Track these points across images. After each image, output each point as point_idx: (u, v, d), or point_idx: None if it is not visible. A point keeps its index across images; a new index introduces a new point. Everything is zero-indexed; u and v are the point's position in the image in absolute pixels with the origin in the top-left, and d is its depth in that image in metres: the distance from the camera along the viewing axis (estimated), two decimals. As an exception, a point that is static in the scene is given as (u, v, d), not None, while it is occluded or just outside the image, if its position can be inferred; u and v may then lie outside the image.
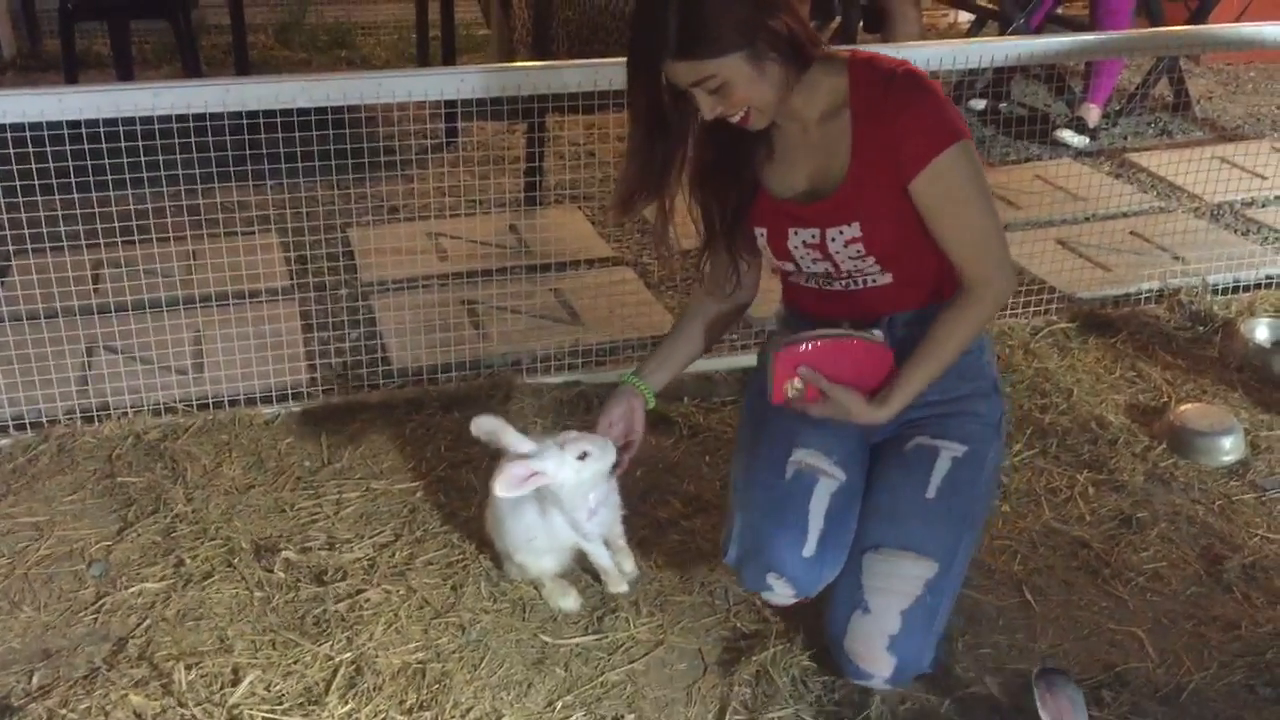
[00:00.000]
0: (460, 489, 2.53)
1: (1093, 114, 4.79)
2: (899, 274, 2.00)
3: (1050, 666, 1.90)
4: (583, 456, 2.05)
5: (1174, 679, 2.05)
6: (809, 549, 1.93)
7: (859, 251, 1.96)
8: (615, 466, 2.11)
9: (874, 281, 2.01)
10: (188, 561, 2.29)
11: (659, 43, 1.77)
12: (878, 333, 2.01)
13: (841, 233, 1.95)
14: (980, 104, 5.08)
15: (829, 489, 1.98)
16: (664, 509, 2.46)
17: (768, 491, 1.99)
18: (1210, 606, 2.23)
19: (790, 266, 2.06)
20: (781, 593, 1.98)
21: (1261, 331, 3.12)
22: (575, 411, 2.81)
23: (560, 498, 2.08)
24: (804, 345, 1.96)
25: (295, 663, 2.05)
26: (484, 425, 2.07)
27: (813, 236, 1.98)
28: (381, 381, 2.92)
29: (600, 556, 2.18)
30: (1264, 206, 4.15)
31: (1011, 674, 2.05)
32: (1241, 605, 2.23)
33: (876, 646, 1.91)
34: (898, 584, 1.92)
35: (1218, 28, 3.92)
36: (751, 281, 2.19)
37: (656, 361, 2.19)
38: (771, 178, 2.02)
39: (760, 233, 2.05)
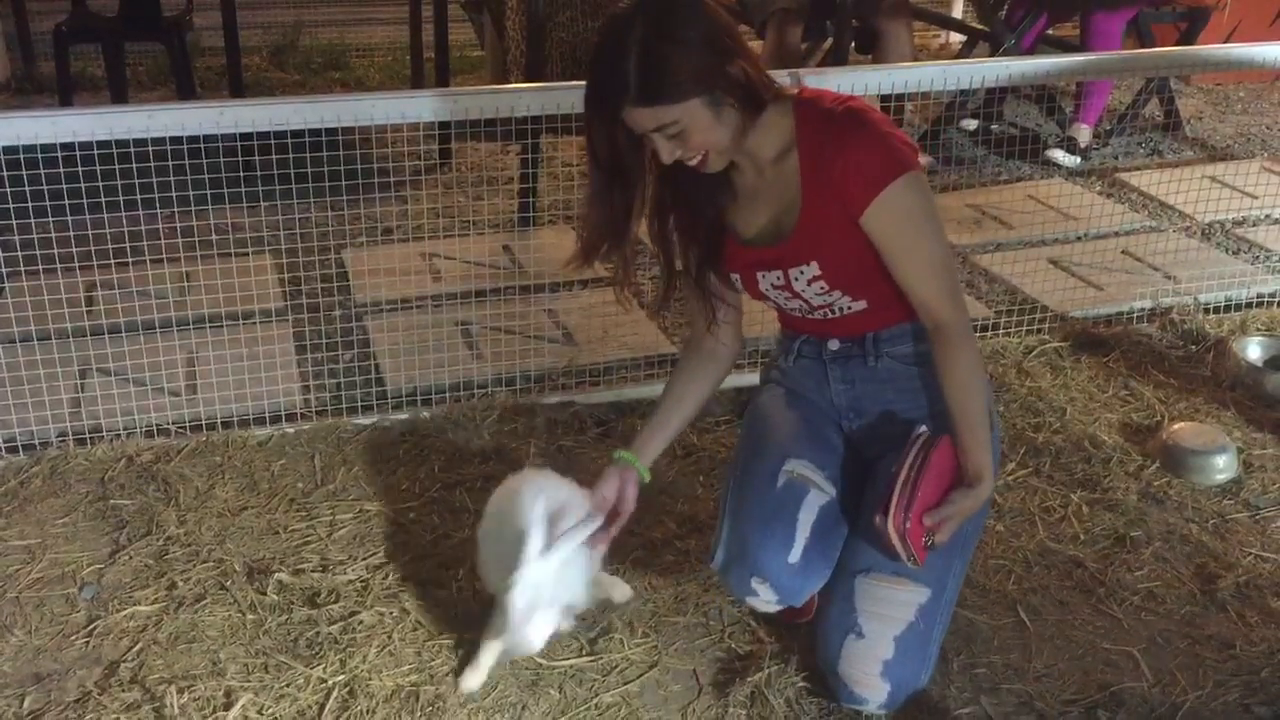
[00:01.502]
0: (454, 510, 2.52)
1: (1084, 134, 4.81)
2: (872, 299, 2.01)
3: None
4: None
5: (1169, 698, 2.04)
6: (794, 556, 1.93)
7: (823, 288, 1.98)
8: (601, 528, 2.03)
9: (849, 309, 2.02)
10: (180, 584, 2.28)
11: (619, 89, 1.78)
12: (922, 428, 1.96)
13: (802, 272, 1.97)
14: (972, 124, 5.10)
15: (819, 502, 1.98)
16: (658, 529, 2.46)
17: (758, 499, 1.99)
18: (1205, 625, 2.22)
19: (769, 304, 2.09)
20: (765, 598, 1.97)
21: (1253, 350, 3.12)
22: (569, 432, 2.80)
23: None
24: (907, 503, 1.86)
25: (288, 685, 2.04)
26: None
27: (778, 279, 2.00)
28: (375, 403, 2.91)
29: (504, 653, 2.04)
30: (1254, 225, 4.17)
31: (1006, 694, 2.05)
32: (1236, 624, 2.23)
33: (871, 672, 1.91)
34: (891, 609, 1.93)
35: (1207, 49, 3.96)
36: (732, 336, 2.16)
37: (649, 433, 2.13)
38: (737, 222, 2.03)
39: (735, 277, 2.07)
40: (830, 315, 2.04)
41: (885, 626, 1.92)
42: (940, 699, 2.03)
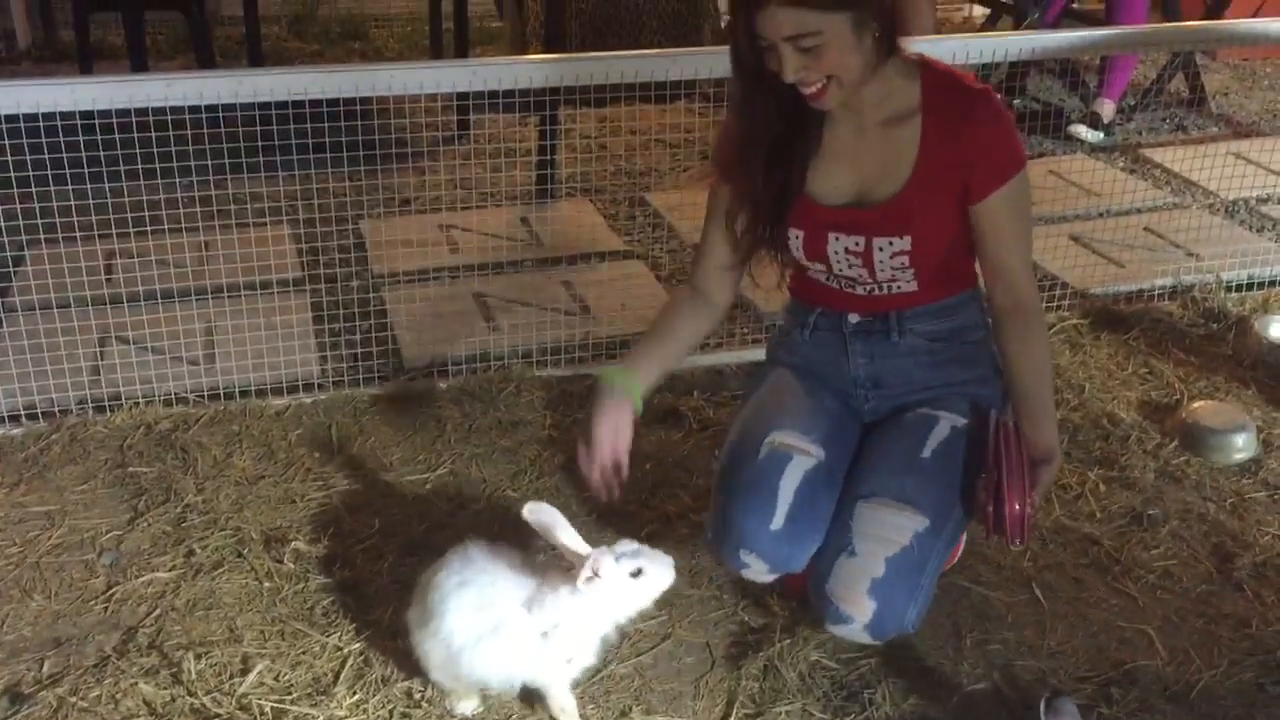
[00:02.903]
0: (470, 481, 2.53)
1: (1107, 109, 4.77)
2: (924, 282, 2.00)
3: (1057, 691, 1.89)
4: (638, 573, 1.83)
5: (1184, 677, 2.04)
6: (776, 524, 1.93)
7: (903, 264, 1.95)
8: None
9: (900, 289, 2.01)
10: (198, 551, 2.30)
11: None
12: (994, 414, 2.02)
13: (891, 244, 1.93)
14: (994, 99, 5.05)
15: (803, 467, 1.97)
16: (673, 503, 2.46)
17: (740, 473, 2.00)
18: (1221, 604, 2.22)
19: (820, 268, 2.03)
20: (757, 568, 1.98)
21: (1275, 329, 3.09)
22: (585, 405, 2.79)
23: (578, 619, 1.82)
24: (1022, 491, 1.86)
25: (304, 653, 2.05)
26: (539, 515, 1.82)
27: (856, 244, 1.95)
28: (392, 373, 2.92)
29: (563, 700, 1.91)
30: (1279, 203, 4.13)
31: (1020, 670, 2.05)
32: (1252, 603, 2.22)
33: (858, 589, 1.88)
34: (887, 531, 1.91)
35: (1234, 23, 3.90)
36: (731, 287, 2.12)
37: (647, 358, 2.04)
38: (815, 178, 1.97)
39: (796, 234, 2.00)
40: (876, 292, 2.02)
41: (879, 546, 1.90)
42: (954, 674, 2.03)
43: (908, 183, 1.91)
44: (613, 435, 1.94)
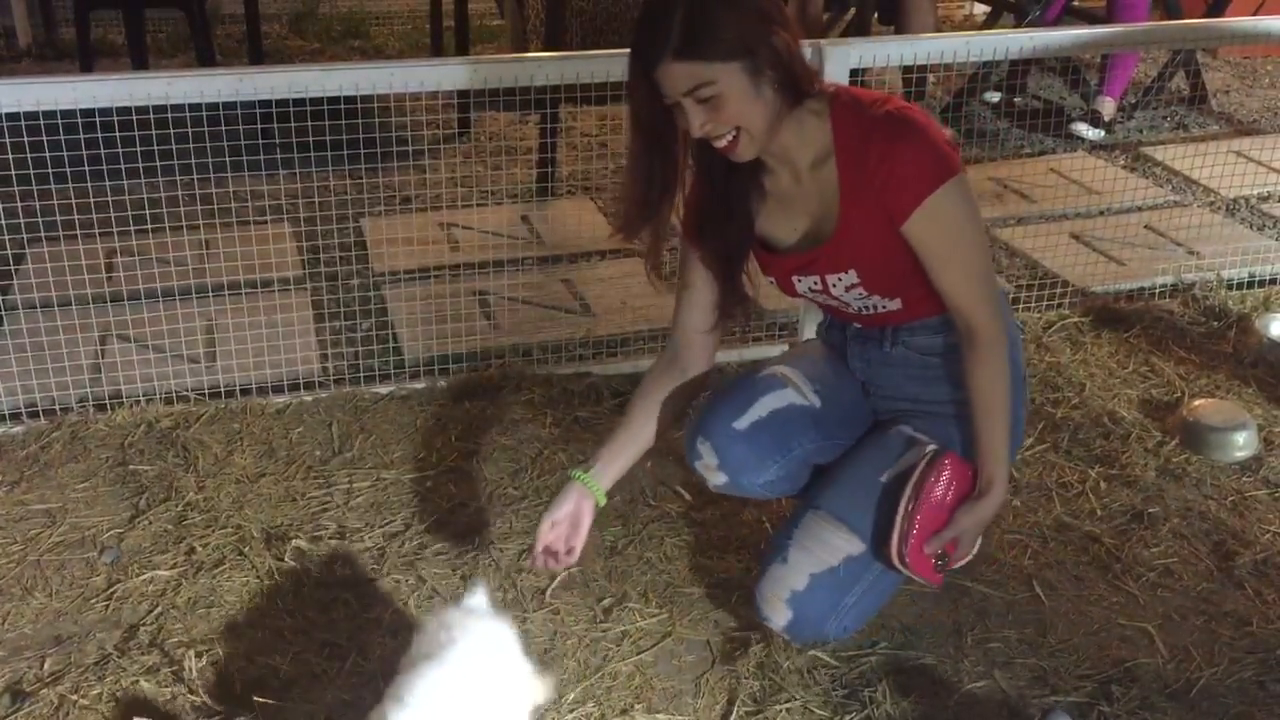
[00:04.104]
0: (471, 479, 2.53)
1: (1108, 107, 4.76)
2: (906, 298, 2.00)
3: (1056, 706, 1.91)
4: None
5: (1184, 675, 2.04)
6: (740, 424, 1.99)
7: (862, 294, 1.98)
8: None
9: (885, 308, 2.03)
10: (199, 549, 2.30)
11: (660, 40, 1.74)
12: (931, 446, 1.97)
13: (840, 279, 1.97)
14: (995, 96, 5.05)
15: (790, 398, 2.03)
16: (674, 501, 2.46)
17: (733, 383, 2.08)
18: (1221, 602, 2.22)
19: (805, 303, 2.09)
20: (708, 461, 2.02)
21: (1276, 327, 3.09)
22: (585, 403, 2.80)
23: None
24: (903, 535, 1.88)
25: (304, 651, 2.05)
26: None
27: (815, 283, 2.00)
28: (393, 371, 2.92)
29: None
30: (1280, 201, 4.13)
31: (1020, 668, 2.05)
32: (1253, 601, 2.22)
33: (779, 595, 1.96)
34: (818, 548, 1.95)
35: (1235, 21, 3.89)
36: (708, 354, 2.12)
37: (608, 456, 2.05)
38: (770, 227, 2.01)
39: (770, 280, 2.08)
40: (865, 311, 2.05)
41: (808, 560, 1.95)
42: (954, 673, 2.04)
43: (839, 220, 1.91)
44: (572, 515, 2.01)
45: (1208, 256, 3.56)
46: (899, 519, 1.89)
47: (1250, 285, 3.40)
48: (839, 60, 2.66)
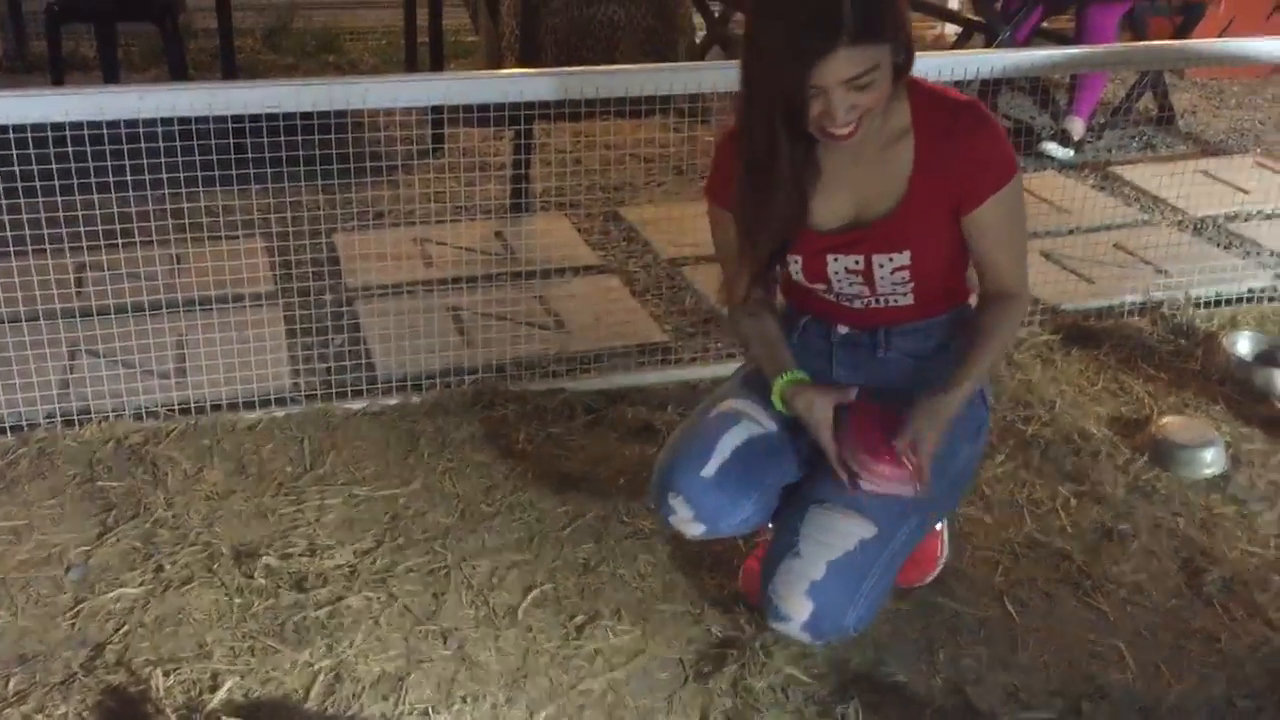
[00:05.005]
0: (443, 496, 2.52)
1: (1077, 127, 4.81)
2: (921, 296, 2.02)
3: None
4: None
5: (1154, 691, 2.05)
6: (707, 471, 1.98)
7: (904, 278, 1.97)
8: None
9: (897, 302, 2.03)
10: (167, 567, 2.28)
11: (833, 26, 1.67)
12: (852, 391, 1.98)
13: (891, 259, 1.95)
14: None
15: (748, 431, 2.02)
16: (647, 517, 2.46)
17: (686, 430, 2.07)
18: (1191, 619, 2.23)
19: (822, 287, 2.05)
20: (683, 514, 2.01)
21: (1243, 345, 3.13)
22: (559, 419, 2.80)
23: None
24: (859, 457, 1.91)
25: (274, 669, 2.04)
26: None
27: (856, 263, 1.97)
28: (365, 387, 2.90)
29: None
30: (1247, 220, 4.18)
31: (991, 685, 2.06)
32: (1221, 618, 2.23)
33: (797, 589, 1.91)
34: (832, 537, 1.93)
35: (1201, 42, 3.95)
36: (772, 295, 2.15)
37: (786, 351, 2.06)
38: (814, 206, 1.97)
39: (795, 259, 2.01)
40: (873, 304, 2.04)
41: (822, 550, 1.92)
42: (925, 690, 2.04)
43: (904, 199, 1.93)
44: (829, 409, 1.95)
45: (1176, 275, 3.60)
46: (857, 447, 1.90)
47: (1218, 304, 3.44)
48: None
